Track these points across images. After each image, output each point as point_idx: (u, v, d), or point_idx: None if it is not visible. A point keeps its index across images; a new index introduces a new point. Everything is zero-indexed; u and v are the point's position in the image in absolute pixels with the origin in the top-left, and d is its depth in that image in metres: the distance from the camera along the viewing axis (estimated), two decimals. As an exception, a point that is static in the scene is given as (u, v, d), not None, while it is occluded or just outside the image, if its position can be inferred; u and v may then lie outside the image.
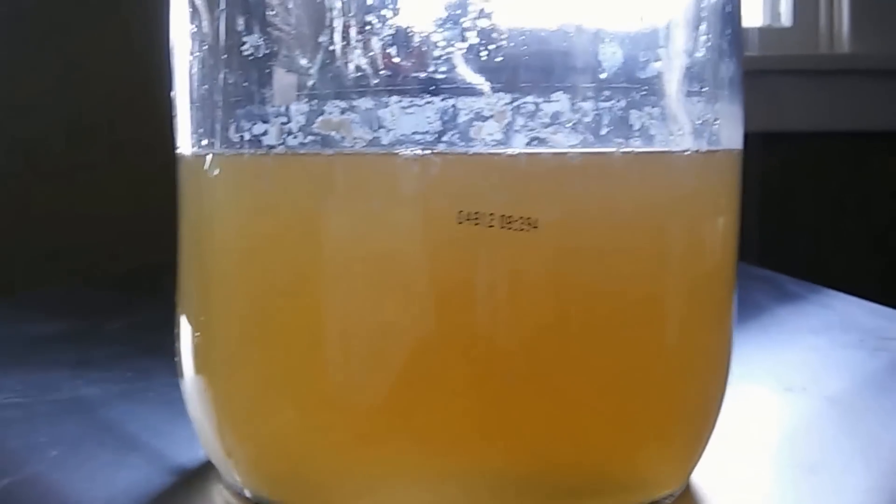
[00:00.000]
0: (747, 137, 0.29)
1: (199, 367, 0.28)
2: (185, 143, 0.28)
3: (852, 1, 1.16)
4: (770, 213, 1.05)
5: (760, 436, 0.34)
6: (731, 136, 0.28)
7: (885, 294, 0.60)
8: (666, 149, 0.26)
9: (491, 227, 0.24)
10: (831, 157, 1.16)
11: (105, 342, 0.49)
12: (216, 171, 0.27)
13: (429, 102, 0.24)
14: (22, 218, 1.03)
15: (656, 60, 0.26)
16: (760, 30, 1.16)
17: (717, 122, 0.27)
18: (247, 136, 0.26)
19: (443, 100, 0.24)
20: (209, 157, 0.27)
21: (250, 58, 0.25)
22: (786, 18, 1.18)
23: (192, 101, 0.27)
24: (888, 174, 1.16)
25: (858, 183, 1.16)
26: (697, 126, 0.27)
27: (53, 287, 0.70)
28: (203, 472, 0.29)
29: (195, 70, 0.27)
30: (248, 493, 0.27)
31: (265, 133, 0.25)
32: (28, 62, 1.03)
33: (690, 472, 0.29)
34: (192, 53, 0.27)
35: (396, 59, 0.24)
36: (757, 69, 1.04)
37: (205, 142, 0.27)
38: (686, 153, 0.27)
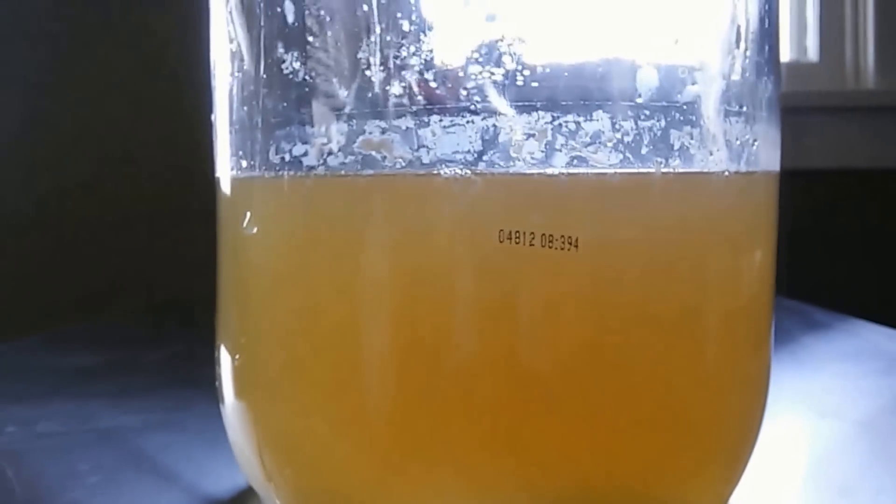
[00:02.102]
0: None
1: (240, 391, 0.28)
2: (224, 167, 0.28)
3: (878, 36, 1.16)
4: (797, 250, 1.05)
5: (794, 460, 0.34)
6: (768, 157, 0.28)
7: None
8: (705, 169, 0.26)
9: (532, 246, 0.24)
10: (858, 193, 1.15)
11: (143, 373, 0.49)
12: (256, 193, 0.27)
13: (469, 122, 0.24)
14: (52, 256, 1.04)
15: (694, 81, 0.26)
16: (787, 65, 1.16)
17: (756, 142, 0.27)
18: (287, 158, 0.26)
19: (483, 119, 0.24)
20: (249, 180, 0.27)
21: (290, 79, 0.26)
22: (812, 54, 1.18)
23: (231, 124, 0.28)
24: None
25: (886, 219, 1.16)
26: (736, 147, 0.27)
27: (90, 321, 0.70)
28: (241, 500, 0.29)
29: (235, 93, 0.27)
30: (287, 517, 0.27)
31: (305, 154, 0.25)
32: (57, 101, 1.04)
33: (729, 497, 0.29)
34: (231, 76, 0.27)
35: (435, 84, 0.24)
36: (783, 105, 1.03)
37: (244, 164, 0.27)
38: (725, 174, 0.26)
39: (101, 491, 0.30)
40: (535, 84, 0.24)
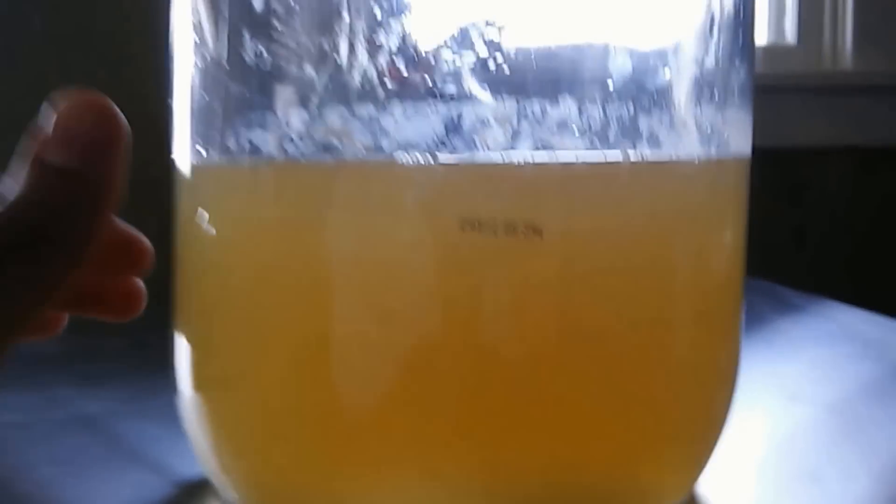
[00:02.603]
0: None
1: (196, 384, 0.27)
2: (181, 152, 0.28)
3: (856, 18, 1.16)
4: (774, 229, 1.05)
5: (764, 445, 0.34)
6: (739, 143, 0.28)
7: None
8: (675, 156, 0.26)
9: (494, 235, 0.23)
10: (835, 172, 1.16)
11: (106, 360, 0.48)
12: (213, 181, 0.26)
13: (433, 109, 0.23)
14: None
15: (666, 67, 0.25)
16: (765, 48, 1.16)
17: (727, 128, 0.27)
18: (246, 146, 0.25)
19: (447, 105, 0.23)
20: (207, 167, 0.26)
21: (253, 67, 0.25)
22: (790, 36, 1.18)
23: (191, 111, 0.27)
24: (892, 189, 1.15)
25: (863, 198, 1.16)
26: (707, 134, 0.26)
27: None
28: (203, 487, 0.29)
29: (196, 79, 0.26)
30: (245, 509, 0.27)
31: (265, 141, 0.25)
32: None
33: (694, 483, 0.28)
34: (193, 62, 0.27)
35: (402, 69, 0.24)
36: (761, 86, 1.03)
37: (203, 151, 0.27)
38: (695, 160, 0.26)
39: (63, 480, 0.30)
40: (505, 68, 0.24)
